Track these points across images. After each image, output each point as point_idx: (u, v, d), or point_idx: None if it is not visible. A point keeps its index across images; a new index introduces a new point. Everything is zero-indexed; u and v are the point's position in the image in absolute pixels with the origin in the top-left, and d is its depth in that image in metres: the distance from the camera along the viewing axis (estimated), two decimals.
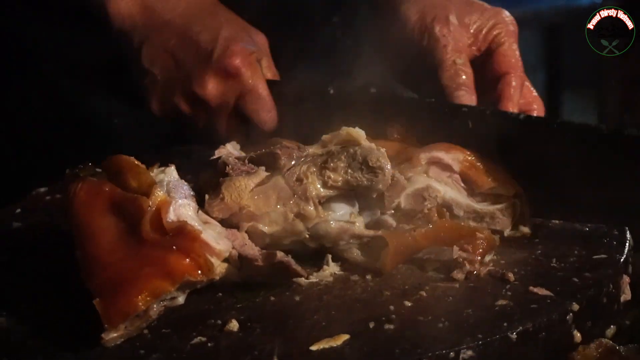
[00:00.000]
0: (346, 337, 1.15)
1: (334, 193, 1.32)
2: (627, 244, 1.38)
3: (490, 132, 1.47)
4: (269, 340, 1.16)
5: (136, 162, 1.33)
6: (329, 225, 1.32)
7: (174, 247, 1.21)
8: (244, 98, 1.67)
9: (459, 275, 1.29)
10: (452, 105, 1.62)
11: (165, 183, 1.30)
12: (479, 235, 1.35)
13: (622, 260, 1.34)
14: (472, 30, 1.72)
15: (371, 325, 1.18)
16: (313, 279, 1.32)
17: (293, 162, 1.34)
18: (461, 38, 1.70)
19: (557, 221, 1.47)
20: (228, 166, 1.34)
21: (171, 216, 1.23)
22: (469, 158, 1.44)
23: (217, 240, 1.25)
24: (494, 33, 1.72)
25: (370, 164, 1.31)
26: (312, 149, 1.36)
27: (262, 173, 1.33)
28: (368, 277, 1.32)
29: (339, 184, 1.32)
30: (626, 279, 1.34)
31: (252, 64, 1.67)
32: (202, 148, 1.70)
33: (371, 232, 1.34)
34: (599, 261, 1.33)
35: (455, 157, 1.44)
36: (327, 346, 1.13)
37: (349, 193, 1.33)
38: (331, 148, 1.34)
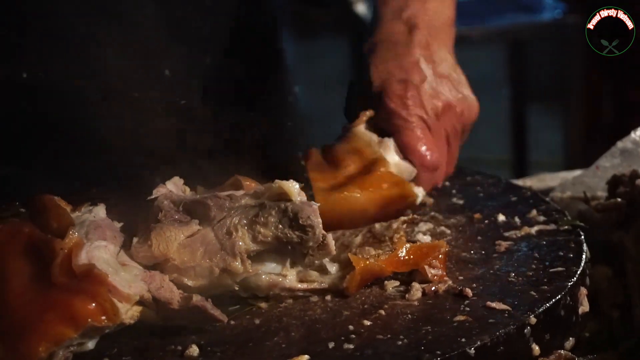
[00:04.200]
0: (306, 358, 1.16)
1: (263, 247, 1.30)
2: (583, 256, 1.39)
3: None
4: None
5: (58, 201, 1.32)
6: (259, 279, 1.30)
7: (81, 290, 1.18)
8: None
9: (416, 293, 1.30)
10: None
11: (86, 223, 1.29)
12: (441, 249, 1.36)
13: (579, 272, 1.35)
14: None
15: (330, 345, 1.19)
16: (272, 301, 1.32)
17: (224, 214, 1.32)
18: None
19: (514, 236, 1.48)
20: (161, 211, 1.33)
21: (83, 259, 1.21)
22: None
23: (130, 284, 1.22)
24: None
25: (300, 221, 1.29)
26: (244, 200, 1.34)
27: (194, 226, 1.31)
28: (327, 297, 1.33)
29: (269, 239, 1.30)
30: (583, 290, 1.35)
31: None
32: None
33: (304, 285, 1.33)
34: (556, 274, 1.34)
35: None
36: None
37: (282, 246, 1.31)
38: (263, 201, 1.33)
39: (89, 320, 1.17)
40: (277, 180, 1.33)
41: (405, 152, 1.59)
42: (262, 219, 1.30)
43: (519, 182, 1.94)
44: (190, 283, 1.28)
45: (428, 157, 1.59)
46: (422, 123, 1.61)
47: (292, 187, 1.32)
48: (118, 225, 1.35)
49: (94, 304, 1.18)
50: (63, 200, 1.35)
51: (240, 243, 1.29)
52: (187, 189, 1.44)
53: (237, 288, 1.30)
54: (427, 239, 1.48)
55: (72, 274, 1.19)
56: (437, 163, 1.60)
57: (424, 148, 1.59)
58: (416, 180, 1.59)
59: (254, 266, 1.30)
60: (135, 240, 1.30)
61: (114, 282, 1.20)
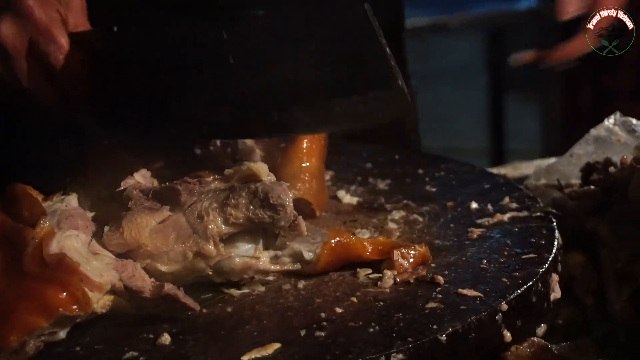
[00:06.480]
0: (277, 345, 1.16)
1: (235, 230, 1.31)
2: (555, 243, 1.40)
3: None
4: (201, 352, 1.16)
5: (30, 190, 1.32)
6: (233, 262, 1.30)
7: (52, 280, 1.17)
8: (38, 39, 1.52)
9: (388, 280, 1.30)
10: None
11: (58, 213, 1.29)
12: (417, 248, 1.37)
13: (550, 258, 1.35)
14: None
15: (302, 332, 1.19)
16: (245, 289, 1.33)
17: (194, 198, 1.32)
18: None
19: (487, 223, 1.49)
20: (131, 200, 1.33)
21: (54, 248, 1.21)
22: None
23: (101, 273, 1.22)
24: None
25: (271, 201, 1.29)
26: (214, 184, 1.34)
27: (165, 212, 1.31)
28: (300, 285, 1.33)
29: (241, 220, 1.30)
30: (555, 277, 1.35)
31: (47, 5, 1.52)
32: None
33: (277, 267, 1.33)
34: (527, 260, 1.35)
35: None
36: (258, 355, 1.14)
37: (254, 228, 1.32)
38: (233, 184, 1.33)
39: (61, 309, 1.16)
40: (245, 162, 1.33)
41: None
42: (232, 201, 1.30)
43: (494, 170, 1.94)
44: (164, 269, 1.28)
45: None
46: None
47: (262, 167, 1.32)
48: (90, 214, 1.34)
49: (65, 293, 1.17)
50: (35, 189, 1.35)
51: (212, 226, 1.29)
52: (155, 181, 1.44)
53: (210, 273, 1.30)
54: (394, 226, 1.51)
55: (43, 263, 1.19)
56: None
57: None
58: None
59: (227, 249, 1.30)
60: (106, 228, 1.30)
61: (86, 271, 1.20)
